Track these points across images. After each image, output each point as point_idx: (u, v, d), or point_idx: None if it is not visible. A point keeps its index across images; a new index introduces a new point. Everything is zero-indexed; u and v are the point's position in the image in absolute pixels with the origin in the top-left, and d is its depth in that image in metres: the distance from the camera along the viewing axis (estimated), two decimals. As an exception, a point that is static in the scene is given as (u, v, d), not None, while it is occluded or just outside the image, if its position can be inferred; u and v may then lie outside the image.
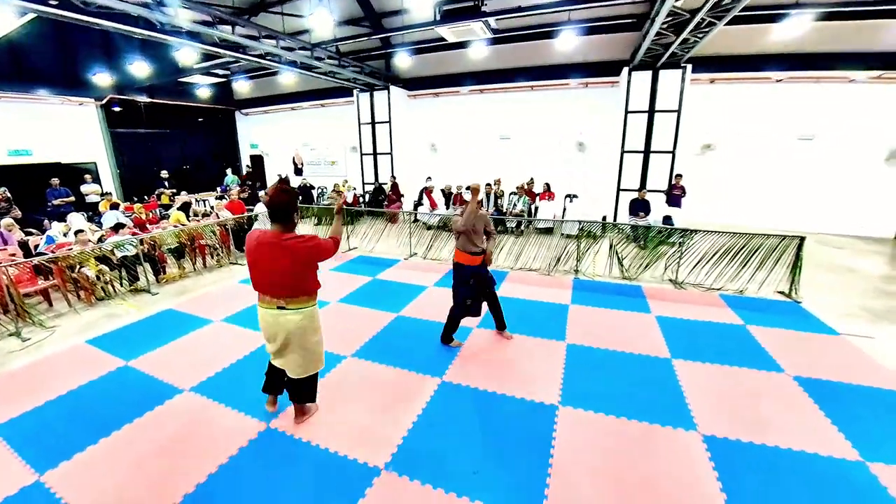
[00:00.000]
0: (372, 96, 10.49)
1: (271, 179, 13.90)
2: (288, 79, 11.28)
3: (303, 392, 2.56)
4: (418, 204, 9.73)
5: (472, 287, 3.36)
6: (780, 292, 4.82)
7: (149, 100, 11.17)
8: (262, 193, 7.72)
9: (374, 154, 11.00)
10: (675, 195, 7.60)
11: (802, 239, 4.70)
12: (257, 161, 14.21)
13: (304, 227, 8.61)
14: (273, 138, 13.54)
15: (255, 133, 13.93)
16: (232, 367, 3.32)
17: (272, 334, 2.29)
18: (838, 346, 3.56)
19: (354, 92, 10.68)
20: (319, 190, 12.27)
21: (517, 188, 8.60)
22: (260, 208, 7.32)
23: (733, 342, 3.67)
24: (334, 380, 3.15)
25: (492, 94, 10.05)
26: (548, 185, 8.87)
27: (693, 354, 3.45)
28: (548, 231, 7.82)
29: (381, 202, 10.21)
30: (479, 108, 10.27)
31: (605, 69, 8.64)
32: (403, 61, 9.58)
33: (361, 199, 10.57)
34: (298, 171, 13.20)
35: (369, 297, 4.74)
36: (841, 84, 7.43)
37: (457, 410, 2.78)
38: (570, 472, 2.25)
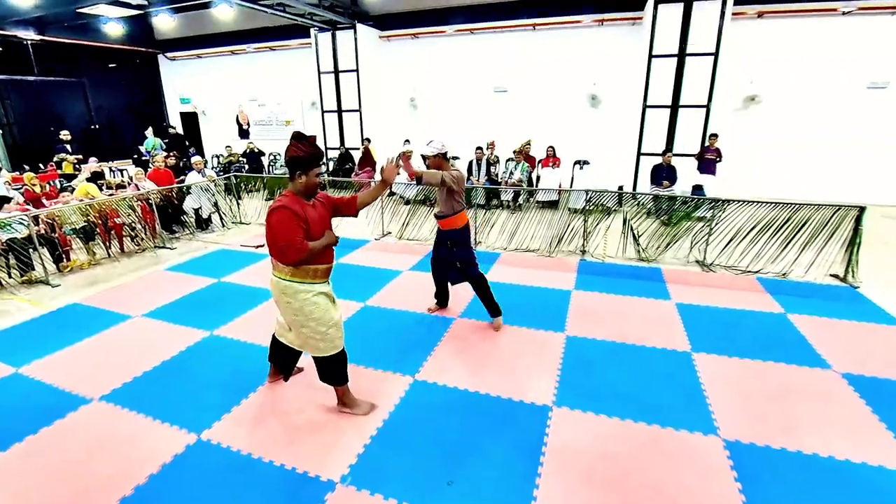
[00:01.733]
0: (334, 37, 10.26)
1: (210, 143, 13.63)
2: (225, 13, 10.93)
3: (321, 371, 2.73)
4: (394, 173, 9.62)
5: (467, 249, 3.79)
6: (833, 275, 4.92)
7: (38, 37, 10.62)
8: (196, 159, 7.57)
9: (339, 111, 10.85)
10: (708, 160, 7.66)
11: (862, 210, 4.77)
12: (190, 120, 13.90)
13: (253, 203, 8.51)
14: (210, 91, 13.23)
15: (185, 84, 13.57)
16: (154, 371, 3.33)
17: None
18: (900, 337, 3.67)
19: (312, 32, 10.43)
20: (272, 157, 12.12)
21: (514, 153, 8.60)
22: (193, 178, 7.18)
23: (770, 333, 3.76)
24: (283, 381, 3.17)
25: (484, 35, 9.91)
26: (552, 148, 8.87)
27: (719, 347, 3.53)
28: (551, 204, 7.84)
29: (348, 171, 10.11)
30: (469, 52, 10.14)
31: (624, 2, 8.56)
32: (372, -9, 9.34)
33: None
34: (244, 133, 12.97)
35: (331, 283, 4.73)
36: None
37: (430, 413, 2.82)
38: (563, 484, 2.30)
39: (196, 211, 7.19)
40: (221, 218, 7.57)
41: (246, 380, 3.18)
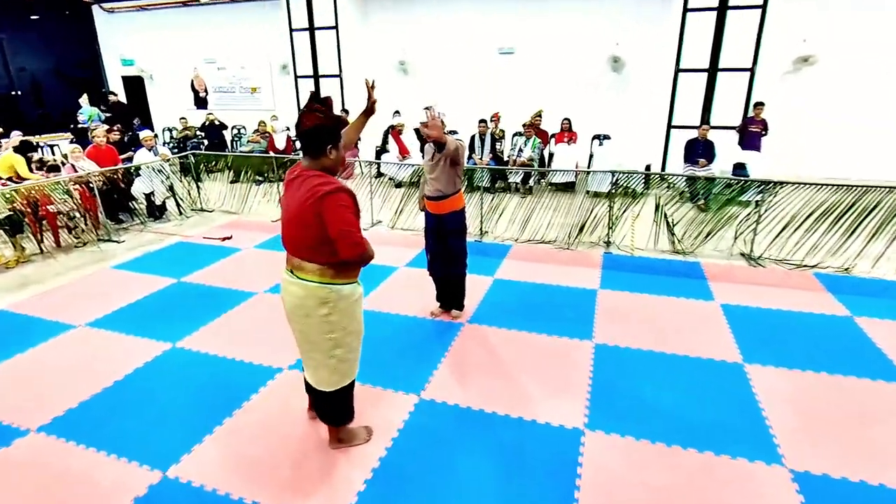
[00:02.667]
0: (308, -12, 10.06)
1: (159, 114, 13.36)
2: (177, -42, 10.66)
3: (325, 408, 2.60)
4: (382, 150, 9.55)
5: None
6: None
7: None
8: (146, 134, 7.37)
9: (315, 76, 10.70)
10: (752, 133, 7.65)
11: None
12: (134, 85, 13.67)
13: (215, 186, 8.36)
14: (158, 51, 12.98)
15: (127, 42, 13.29)
16: (106, 394, 3.23)
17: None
18: None
19: (281, -20, 10.22)
20: (235, 130, 11.93)
21: (524, 126, 8.53)
22: (143, 157, 7.01)
23: (835, 340, 3.76)
24: (266, 402, 3.11)
25: (487, -14, 9.78)
26: (568, 121, 8.82)
27: (776, 358, 3.52)
28: (568, 187, 7.82)
29: (325, 148, 9.97)
30: (469, 7, 10.01)
31: (653, -54, 8.48)
32: (354, -68, 9.15)
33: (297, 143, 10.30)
34: (201, 102, 12.79)
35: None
36: None
37: (441, 439, 2.78)
38: (605, 526, 2.26)
39: (147, 196, 7.06)
40: (178, 205, 7.45)
41: (219, 402, 3.10)
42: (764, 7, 7.52)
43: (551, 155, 8.87)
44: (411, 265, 5.31)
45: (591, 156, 8.94)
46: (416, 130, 9.46)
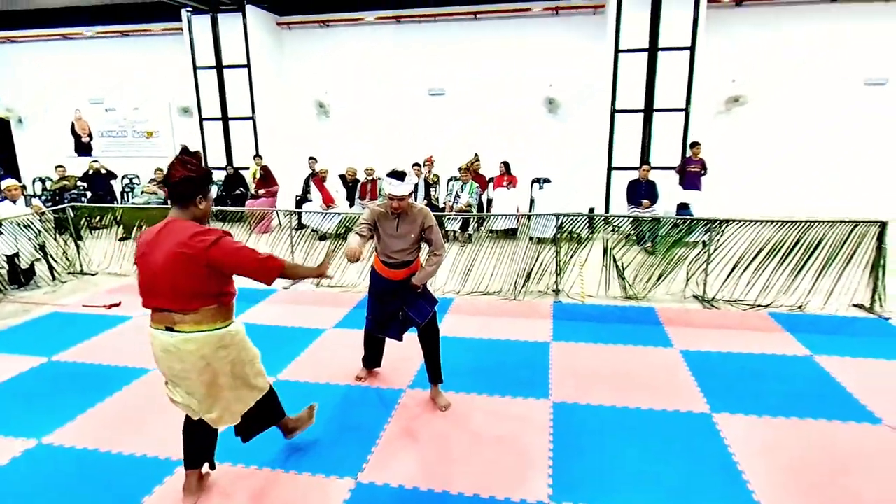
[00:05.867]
0: (215, 23, 10.09)
1: (30, 162, 12.63)
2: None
3: (260, 411, 2.87)
4: (303, 199, 9.43)
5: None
6: (858, 305, 5.36)
7: None
8: (8, 183, 6.85)
9: (224, 119, 10.58)
10: (691, 173, 8.25)
11: (884, 225, 5.25)
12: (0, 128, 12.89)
13: (99, 244, 7.84)
14: (30, 89, 12.51)
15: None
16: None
17: (163, 370, 2.59)
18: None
19: (183, 14, 10.19)
20: (127, 180, 11.44)
21: (460, 171, 8.75)
22: (5, 210, 6.48)
23: (800, 382, 3.97)
24: (164, 497, 2.80)
25: (414, 26, 10.24)
26: (506, 164, 9.14)
27: (744, 405, 3.64)
28: (510, 233, 7.99)
29: (240, 198, 9.74)
30: (395, 46, 10.42)
31: (581, -13, 9.26)
32: (267, -35, 9.39)
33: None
34: (83, 148, 12.38)
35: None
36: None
37: (384, 536, 2.60)
38: None
39: (10, 259, 6.48)
40: (51, 268, 6.90)
41: (98, 510, 2.76)
42: (692, 48, 8.35)
43: (490, 200, 9.11)
44: (341, 326, 5.18)
45: (531, 200, 9.26)
46: (342, 177, 9.46)
